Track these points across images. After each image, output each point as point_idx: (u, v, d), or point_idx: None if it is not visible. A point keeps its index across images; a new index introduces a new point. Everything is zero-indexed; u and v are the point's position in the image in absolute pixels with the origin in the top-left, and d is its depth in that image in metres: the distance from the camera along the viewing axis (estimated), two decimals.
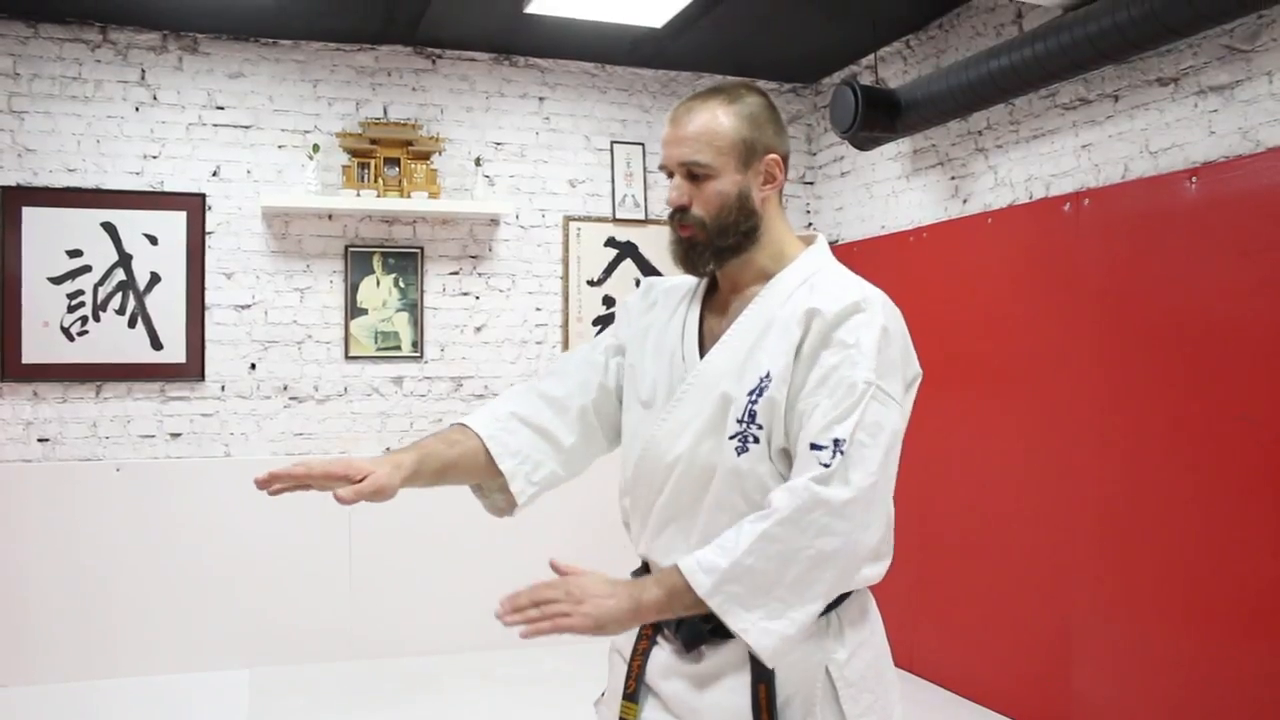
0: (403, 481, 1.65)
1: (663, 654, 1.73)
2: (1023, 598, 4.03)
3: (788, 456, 1.62)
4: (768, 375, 1.62)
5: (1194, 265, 3.36)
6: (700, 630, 1.65)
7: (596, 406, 1.86)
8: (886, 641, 1.76)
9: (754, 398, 1.62)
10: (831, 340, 1.59)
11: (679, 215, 1.70)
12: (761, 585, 1.50)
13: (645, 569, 1.80)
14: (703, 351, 1.73)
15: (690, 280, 1.83)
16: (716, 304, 1.79)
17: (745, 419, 1.63)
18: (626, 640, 1.80)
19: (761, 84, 5.65)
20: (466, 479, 1.80)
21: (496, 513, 1.87)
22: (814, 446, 1.54)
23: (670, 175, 1.71)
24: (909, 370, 1.66)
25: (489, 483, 1.81)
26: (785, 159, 1.73)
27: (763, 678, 1.62)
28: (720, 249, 1.70)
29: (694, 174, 1.67)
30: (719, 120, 1.67)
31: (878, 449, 1.55)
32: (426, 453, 1.72)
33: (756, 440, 1.62)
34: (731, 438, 1.63)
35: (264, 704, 4.35)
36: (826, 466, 1.52)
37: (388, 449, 5.02)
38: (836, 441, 1.53)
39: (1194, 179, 3.37)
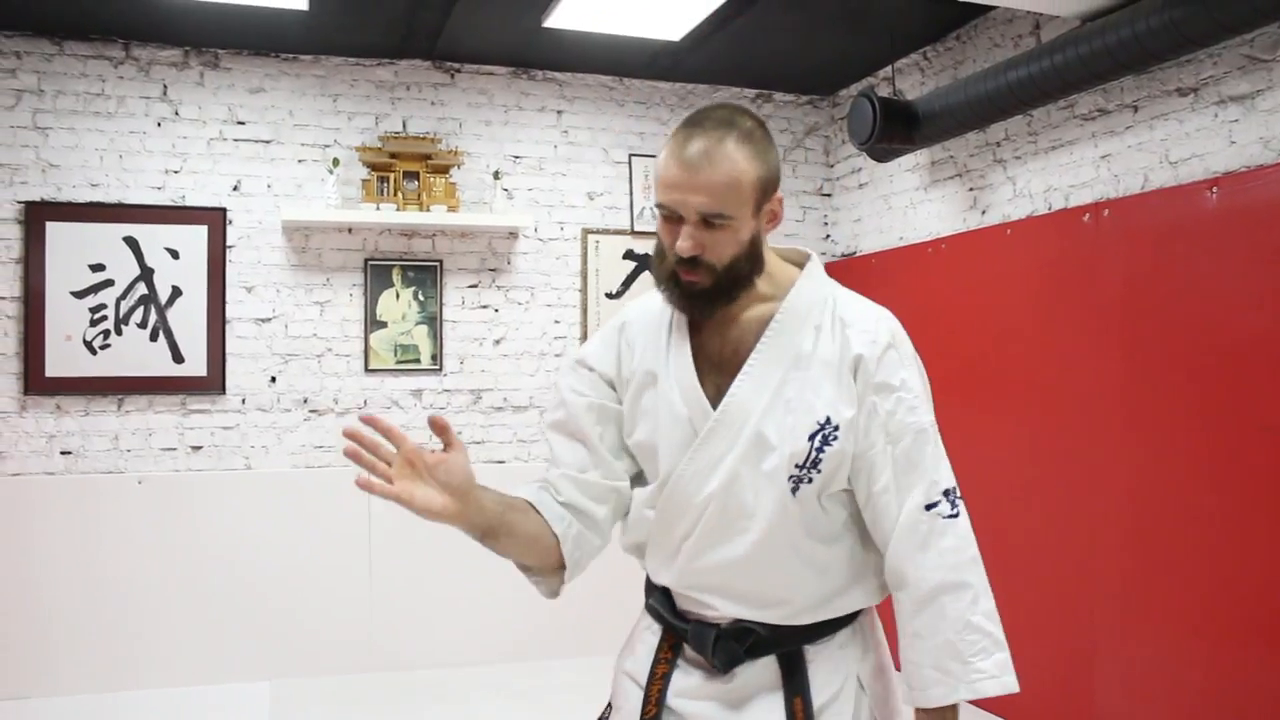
0: (474, 498, 1.60)
1: (686, 677, 1.71)
2: (1044, 610, 4.00)
3: (841, 497, 1.66)
4: (829, 423, 1.61)
5: (1215, 276, 3.34)
6: (737, 653, 1.66)
7: (607, 477, 1.74)
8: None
9: (818, 444, 1.61)
10: (879, 385, 1.63)
11: (688, 264, 1.58)
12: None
13: (666, 595, 1.74)
14: (700, 376, 1.66)
15: (658, 308, 1.74)
16: (707, 328, 1.69)
17: (808, 465, 1.61)
18: (638, 664, 1.77)
19: (779, 96, 5.66)
20: (518, 544, 1.66)
21: (549, 589, 1.74)
22: (929, 507, 1.61)
23: (673, 217, 1.58)
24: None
25: (540, 553, 1.67)
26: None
27: (799, 690, 1.64)
28: (731, 295, 1.62)
29: (710, 223, 1.56)
30: (739, 167, 1.55)
31: None
32: (500, 496, 1.65)
33: (810, 481, 1.62)
34: (789, 479, 1.61)
35: (284, 716, 4.36)
36: (954, 517, 1.62)
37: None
38: (948, 492, 1.62)
39: (1214, 189, 3.35)
